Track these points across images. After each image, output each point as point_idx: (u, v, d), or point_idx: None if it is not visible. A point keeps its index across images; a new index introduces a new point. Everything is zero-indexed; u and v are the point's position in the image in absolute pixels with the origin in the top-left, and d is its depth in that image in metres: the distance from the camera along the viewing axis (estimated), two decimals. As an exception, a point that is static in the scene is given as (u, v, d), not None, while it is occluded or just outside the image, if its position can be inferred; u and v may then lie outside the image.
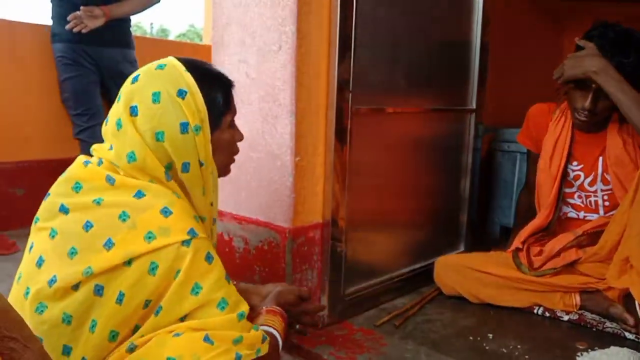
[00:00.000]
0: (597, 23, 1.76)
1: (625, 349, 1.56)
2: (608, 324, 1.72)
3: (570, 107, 1.83)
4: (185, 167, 1.05)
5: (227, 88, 1.15)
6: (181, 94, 1.04)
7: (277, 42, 1.55)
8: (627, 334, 1.66)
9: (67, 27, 2.36)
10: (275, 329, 1.16)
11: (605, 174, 1.85)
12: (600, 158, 1.85)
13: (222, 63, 1.71)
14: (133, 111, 1.03)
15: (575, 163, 1.91)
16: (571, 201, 1.95)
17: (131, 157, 1.02)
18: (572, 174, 1.91)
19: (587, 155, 1.88)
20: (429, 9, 1.95)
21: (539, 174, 1.96)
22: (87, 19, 2.36)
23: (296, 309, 1.33)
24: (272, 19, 1.56)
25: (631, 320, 1.65)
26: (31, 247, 1.03)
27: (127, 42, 2.60)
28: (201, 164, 1.07)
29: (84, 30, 2.36)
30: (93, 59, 2.49)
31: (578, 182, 1.91)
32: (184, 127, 1.03)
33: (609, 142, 1.82)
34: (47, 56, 2.51)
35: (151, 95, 1.03)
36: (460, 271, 1.91)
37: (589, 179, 1.88)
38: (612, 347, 1.58)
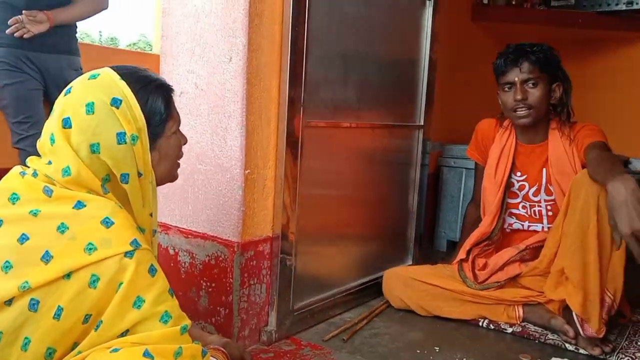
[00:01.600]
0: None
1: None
2: (550, 335, 1.78)
3: (507, 113, 1.91)
4: (125, 178, 1.02)
5: (167, 93, 1.11)
6: (115, 102, 1.01)
7: (228, 54, 1.54)
8: (567, 345, 1.71)
9: (8, 31, 2.26)
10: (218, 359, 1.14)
11: (549, 185, 1.92)
12: (544, 169, 1.92)
13: (170, 73, 1.68)
14: (66, 123, 1.00)
15: (519, 174, 1.97)
16: (515, 211, 2.00)
17: (66, 172, 0.98)
18: (517, 184, 1.97)
19: (530, 166, 1.95)
20: (380, 27, 1.98)
21: (485, 181, 2.02)
22: (30, 24, 2.26)
23: None
24: (223, 30, 1.54)
25: (571, 332, 1.70)
26: None
27: (72, 49, 2.51)
28: (140, 174, 1.05)
29: (26, 36, 2.26)
30: (36, 65, 2.39)
31: (523, 192, 1.97)
32: (121, 137, 1.00)
33: (551, 152, 1.89)
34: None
35: (85, 106, 0.99)
36: (408, 283, 1.93)
37: (533, 189, 1.95)
38: (553, 359, 1.63)
